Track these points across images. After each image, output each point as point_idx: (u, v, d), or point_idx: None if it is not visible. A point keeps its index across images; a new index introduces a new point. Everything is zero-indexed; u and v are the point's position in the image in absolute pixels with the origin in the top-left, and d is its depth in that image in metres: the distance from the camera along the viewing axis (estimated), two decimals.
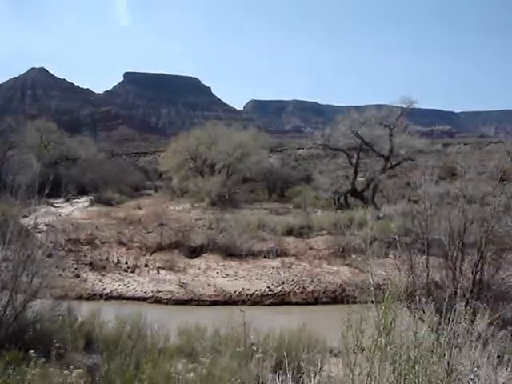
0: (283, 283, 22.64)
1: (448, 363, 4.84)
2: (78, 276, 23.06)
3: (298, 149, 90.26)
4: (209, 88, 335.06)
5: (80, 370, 6.97)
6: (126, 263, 25.23)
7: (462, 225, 13.31)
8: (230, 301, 21.03)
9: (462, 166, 25.39)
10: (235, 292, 21.68)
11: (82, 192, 57.09)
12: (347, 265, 24.71)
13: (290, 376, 5.60)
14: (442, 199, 18.13)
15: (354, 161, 45.01)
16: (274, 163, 59.26)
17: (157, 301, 21.04)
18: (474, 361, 5.24)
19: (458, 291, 8.37)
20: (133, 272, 24.24)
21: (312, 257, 26.44)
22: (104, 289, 21.83)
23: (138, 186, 69.12)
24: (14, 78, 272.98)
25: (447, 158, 62.53)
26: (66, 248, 26.33)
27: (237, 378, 7.46)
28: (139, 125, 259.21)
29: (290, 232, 30.67)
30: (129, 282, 22.77)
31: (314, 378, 5.33)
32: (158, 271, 24.25)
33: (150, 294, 21.43)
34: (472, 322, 5.85)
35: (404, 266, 13.72)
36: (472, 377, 5.02)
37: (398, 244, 13.34)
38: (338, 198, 44.29)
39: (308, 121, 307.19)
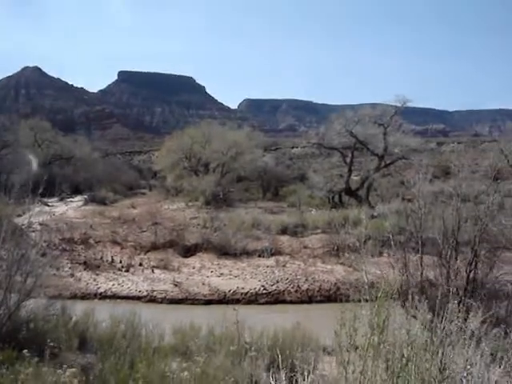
0: (278, 282, 22.65)
1: (441, 361, 4.86)
2: (72, 275, 22.99)
3: (293, 148, 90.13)
4: (203, 87, 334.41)
5: (73, 370, 6.94)
6: (121, 262, 25.18)
7: (456, 223, 13.37)
8: (224, 300, 21.00)
9: (456, 164, 25.47)
10: (230, 291, 21.66)
11: (76, 191, 57.04)
12: (341, 263, 24.72)
13: (283, 374, 5.61)
14: (436, 198, 18.20)
15: (348, 160, 45.11)
16: (268, 162, 59.19)
17: (151, 300, 21.01)
18: (467, 359, 5.26)
19: (452, 289, 8.38)
20: (127, 271, 24.20)
21: (306, 255, 26.45)
22: (98, 288, 21.78)
23: (132, 185, 69.07)
24: (8, 76, 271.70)
25: (441, 156, 62.63)
26: (60, 247, 26.25)
27: (230, 376, 7.46)
28: (133, 124, 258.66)
29: (284, 231, 30.67)
30: (123, 281, 22.73)
31: (308, 376, 5.34)
32: (153, 270, 24.21)
33: (145, 293, 21.39)
34: (465, 320, 5.87)
35: (398, 265, 13.78)
36: (465, 375, 5.03)
37: (392, 242, 13.40)
38: (333, 197, 44.34)
39: (302, 120, 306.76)
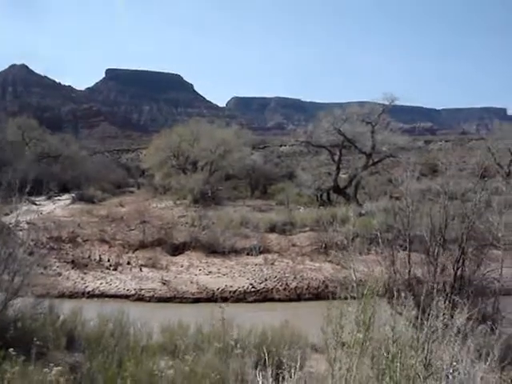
0: (266, 280, 22.68)
1: (426, 357, 4.89)
2: (59, 274, 22.89)
3: (281, 146, 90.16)
4: (191, 85, 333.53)
5: (60, 368, 6.92)
6: (109, 261, 25.10)
7: (444, 221, 13.45)
8: (212, 298, 20.99)
9: (444, 162, 25.67)
10: (218, 289, 21.67)
11: (64, 189, 56.69)
12: (330, 261, 24.80)
13: (270, 372, 5.62)
14: (424, 196, 18.32)
15: (336, 158, 45.22)
16: (256, 160, 59.26)
17: (139, 298, 20.97)
18: (453, 355, 5.29)
19: (438, 286, 8.44)
20: (115, 270, 24.14)
21: (295, 253, 26.51)
22: (86, 287, 21.71)
23: (121, 184, 68.96)
24: None
25: (429, 154, 63.10)
26: (48, 246, 26.09)
27: (217, 373, 7.48)
28: (121, 122, 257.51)
29: (272, 229, 30.72)
30: (111, 279, 22.67)
31: (295, 373, 5.36)
32: (141, 269, 24.17)
33: (133, 292, 21.35)
34: (452, 316, 5.90)
35: (386, 262, 13.86)
36: (451, 371, 5.07)
37: (379, 240, 13.46)
38: (321, 195, 44.47)
39: (290, 118, 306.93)
